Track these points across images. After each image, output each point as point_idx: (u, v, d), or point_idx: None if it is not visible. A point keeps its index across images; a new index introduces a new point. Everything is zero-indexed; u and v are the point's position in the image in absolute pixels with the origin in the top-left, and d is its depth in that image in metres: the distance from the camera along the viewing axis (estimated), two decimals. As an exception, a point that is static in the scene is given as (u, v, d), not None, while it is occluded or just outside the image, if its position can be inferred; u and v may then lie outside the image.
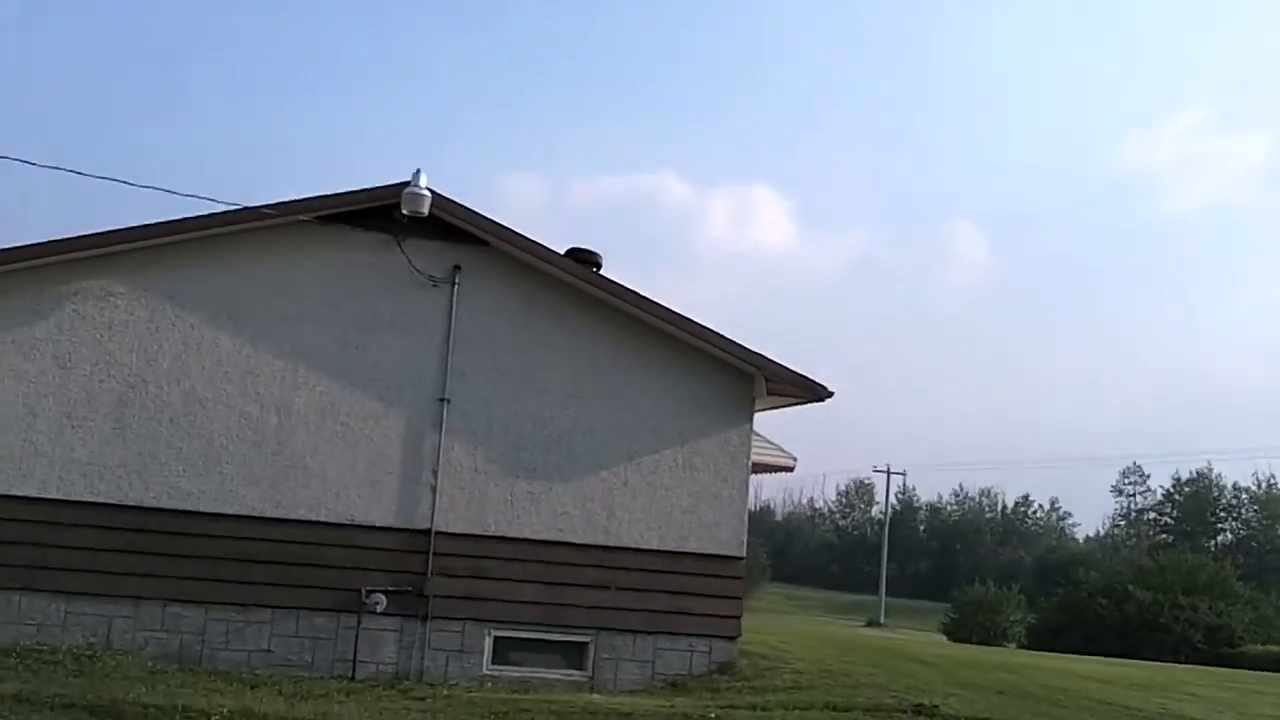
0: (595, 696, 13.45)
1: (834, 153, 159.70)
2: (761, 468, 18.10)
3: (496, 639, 14.42)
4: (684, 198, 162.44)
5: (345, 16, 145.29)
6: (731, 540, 15.20)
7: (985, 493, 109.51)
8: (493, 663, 14.35)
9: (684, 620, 14.94)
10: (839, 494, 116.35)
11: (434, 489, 14.26)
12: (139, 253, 13.69)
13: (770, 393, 15.43)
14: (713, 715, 11.82)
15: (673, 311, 14.93)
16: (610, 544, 14.81)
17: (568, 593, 14.60)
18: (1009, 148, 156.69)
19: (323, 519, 13.97)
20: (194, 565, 13.54)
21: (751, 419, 15.51)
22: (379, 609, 13.86)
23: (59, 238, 13.17)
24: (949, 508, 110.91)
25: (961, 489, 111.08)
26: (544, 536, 14.60)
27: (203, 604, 13.55)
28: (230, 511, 13.72)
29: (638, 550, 14.89)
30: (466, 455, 14.46)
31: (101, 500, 13.41)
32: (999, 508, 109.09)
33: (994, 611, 52.89)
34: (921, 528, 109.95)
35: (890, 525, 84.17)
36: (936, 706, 12.87)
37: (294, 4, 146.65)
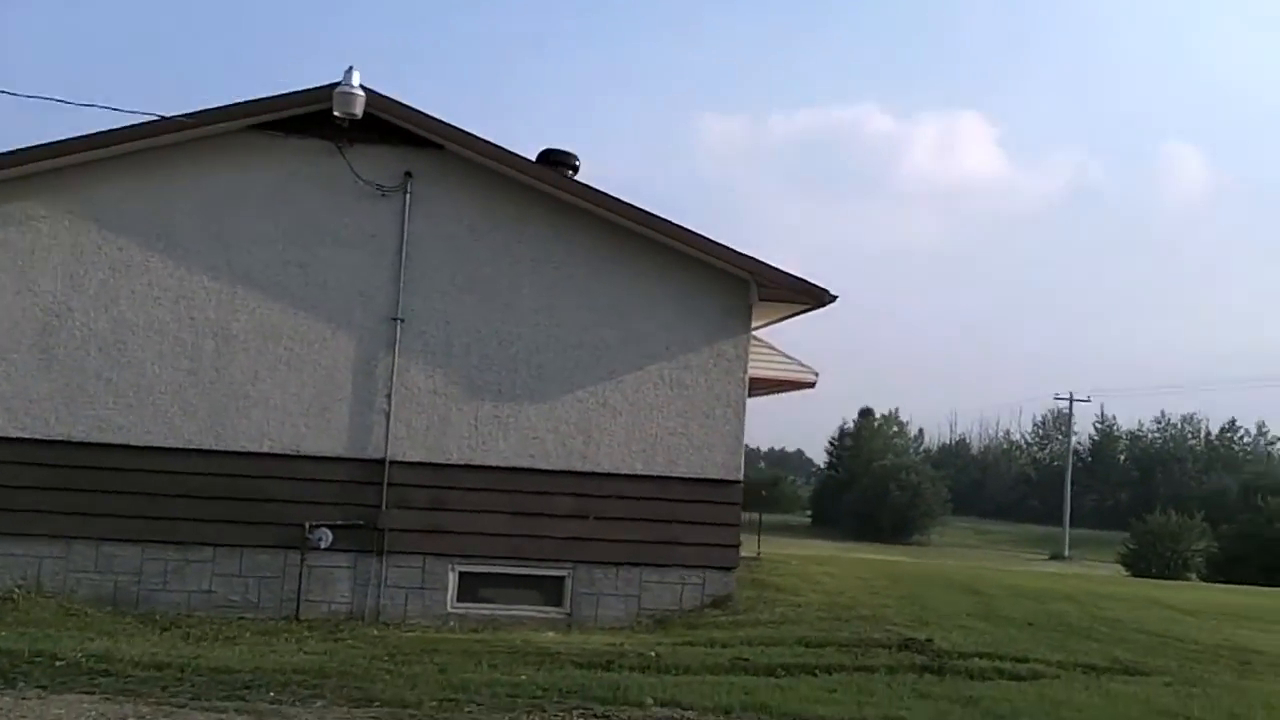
0: (546, 634, 12.47)
1: (1041, 77, 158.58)
2: (779, 384, 16.88)
3: (462, 575, 13.56)
4: (886, 129, 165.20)
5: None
6: (727, 463, 14.12)
7: (1188, 418, 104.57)
8: (458, 600, 13.49)
9: (673, 551, 13.91)
10: (1035, 425, 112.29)
11: (388, 415, 13.41)
12: (61, 173, 13.10)
13: (766, 299, 14.29)
14: (652, 654, 10.76)
15: (653, 215, 13.91)
16: (588, 470, 13.86)
17: (541, 523, 13.67)
18: (1222, 67, 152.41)
19: (266, 450, 13.25)
20: (128, 502, 12.90)
21: (748, 329, 14.43)
22: (323, 544, 13.06)
23: (-32, 156, 12.60)
24: (1150, 435, 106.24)
25: (1164, 415, 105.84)
26: (513, 463, 13.69)
27: (138, 543, 12.90)
28: (165, 444, 13.06)
29: (619, 476, 13.92)
30: (424, 378, 13.59)
31: (27, 435, 12.84)
32: (1203, 434, 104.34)
33: (1175, 541, 50.46)
34: (1122, 456, 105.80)
35: (1091, 455, 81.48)
36: (930, 640, 11.77)
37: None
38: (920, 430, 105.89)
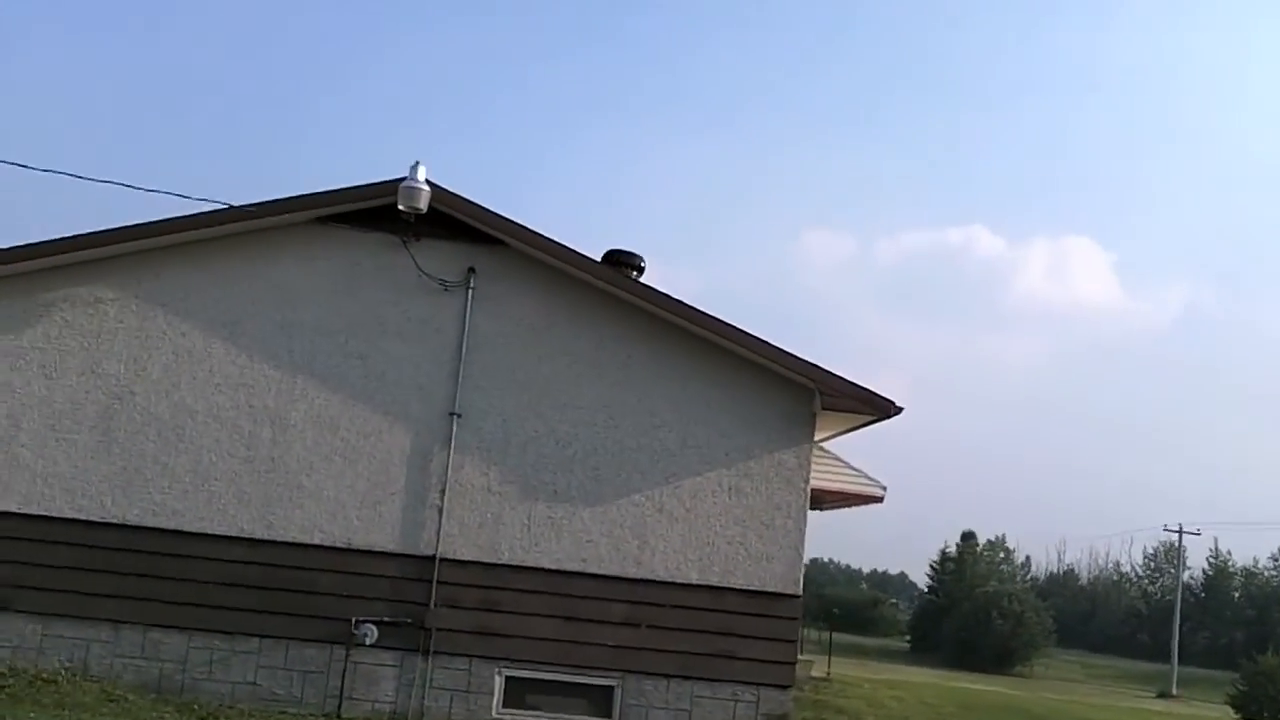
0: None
1: (1158, 201, 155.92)
2: (845, 497, 16.48)
3: (509, 679, 13.24)
4: (995, 250, 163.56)
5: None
6: (785, 575, 13.71)
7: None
8: (504, 705, 13.18)
9: (727, 665, 13.46)
10: (1146, 557, 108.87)
11: (440, 511, 13.28)
12: (130, 258, 13.36)
13: (828, 408, 13.98)
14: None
15: (716, 319, 13.73)
16: (641, 576, 13.53)
17: (591, 630, 13.34)
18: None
19: (317, 542, 13.16)
20: (177, 588, 12.87)
21: (810, 439, 14.09)
22: (368, 641, 12.87)
23: (44, 240, 12.90)
24: (1266, 573, 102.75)
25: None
26: (565, 567, 13.43)
27: (185, 630, 12.84)
28: (218, 532, 13.05)
29: (673, 584, 13.56)
30: (479, 475, 13.47)
31: (83, 517, 12.94)
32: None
33: None
34: (1236, 594, 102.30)
35: (1204, 590, 78.07)
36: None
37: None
38: (1027, 557, 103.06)
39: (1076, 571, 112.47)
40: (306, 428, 13.35)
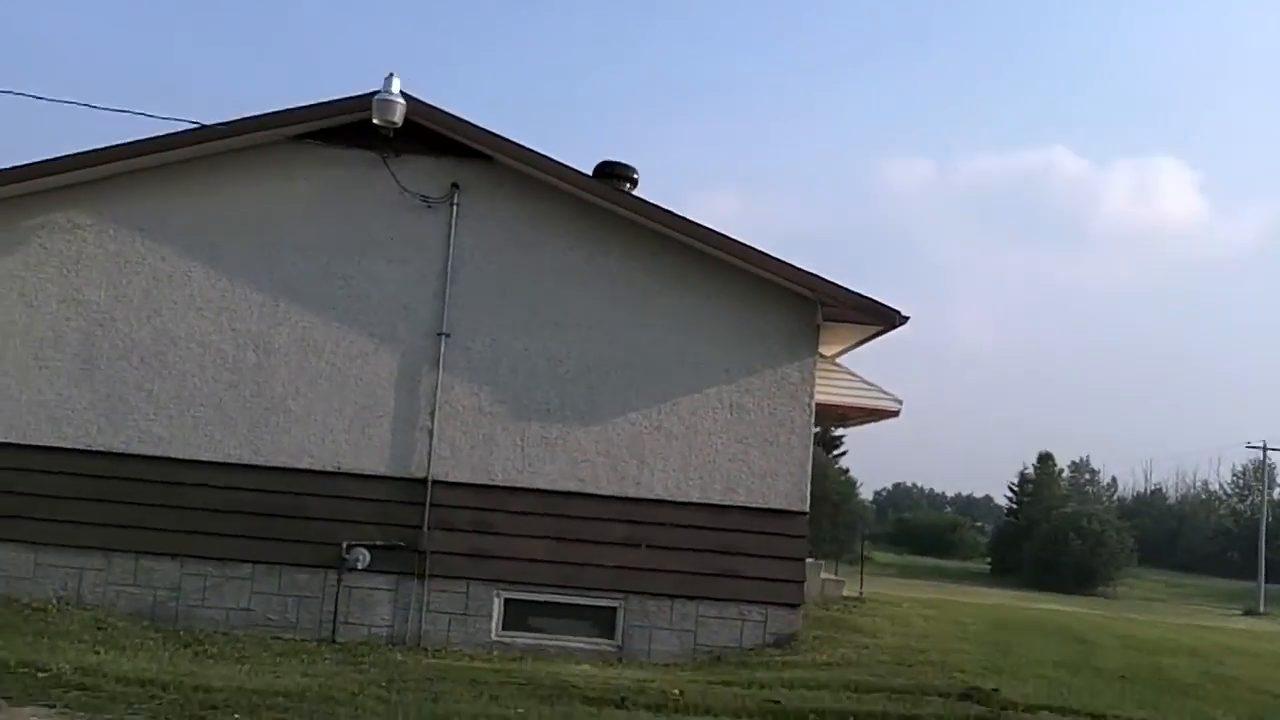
0: (578, 667, 11.86)
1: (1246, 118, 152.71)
2: (859, 412, 16.00)
3: (508, 601, 13.06)
4: (1078, 173, 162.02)
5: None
6: (791, 492, 13.36)
7: None
8: (504, 628, 13.03)
9: (732, 584, 13.18)
10: (1234, 475, 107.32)
11: (431, 433, 13.05)
12: (106, 182, 13.21)
13: (831, 319, 13.53)
14: (676, 692, 10.06)
15: (711, 230, 13.33)
16: (640, 496, 13.26)
17: (590, 551, 13.11)
18: None
19: (306, 466, 13.02)
20: (166, 515, 12.80)
21: (814, 352, 13.65)
22: (359, 565, 12.73)
23: (14, 165, 12.75)
24: None
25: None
26: (561, 487, 13.18)
27: (177, 557, 12.80)
28: (204, 458, 12.95)
29: (674, 503, 13.28)
30: (469, 396, 13.21)
31: (69, 445, 12.88)
32: None
33: None
34: None
35: None
36: (995, 690, 10.78)
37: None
38: (1113, 478, 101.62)
39: (1164, 491, 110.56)
40: (291, 351, 13.14)
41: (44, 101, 13.45)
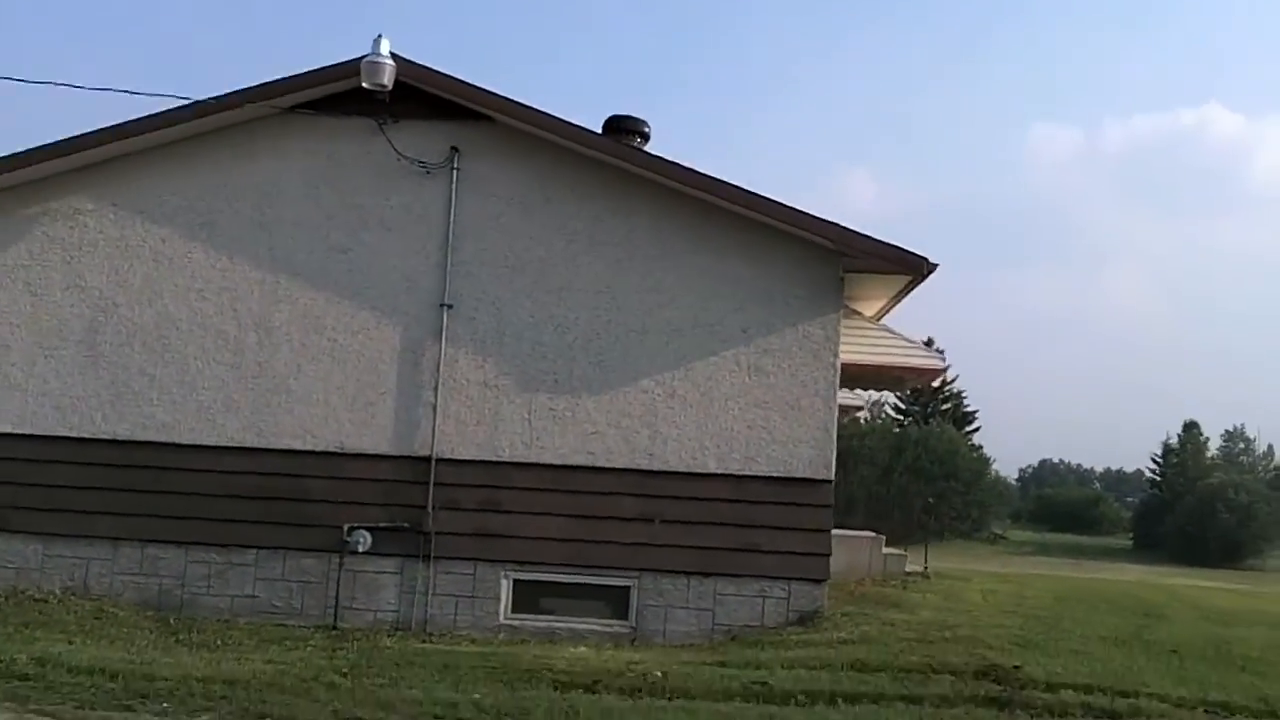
0: (572, 650, 11.41)
1: None
2: (900, 372, 15.10)
3: (516, 583, 12.68)
4: (1234, 130, 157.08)
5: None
6: (815, 459, 12.71)
7: None
8: (513, 610, 12.65)
9: (752, 559, 12.59)
10: None
11: (435, 409, 12.71)
12: (104, 166, 13.18)
13: (854, 270, 12.78)
14: (659, 674, 9.58)
15: (722, 181, 12.73)
16: (654, 468, 12.74)
17: (602, 528, 12.65)
18: None
19: (309, 447, 12.83)
20: (171, 502, 12.74)
21: (838, 308, 12.95)
22: (360, 548, 12.47)
23: (9, 153, 12.75)
24: None
25: None
26: (571, 461, 12.74)
27: (182, 545, 12.73)
28: (208, 442, 12.85)
29: (690, 475, 12.73)
30: (474, 368, 12.83)
31: (75, 434, 12.90)
32: None
33: None
34: None
35: None
36: (1018, 667, 10.02)
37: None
38: (1269, 447, 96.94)
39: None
40: (292, 329, 12.95)
41: (33, 85, 13.08)
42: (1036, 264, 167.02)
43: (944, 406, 63.46)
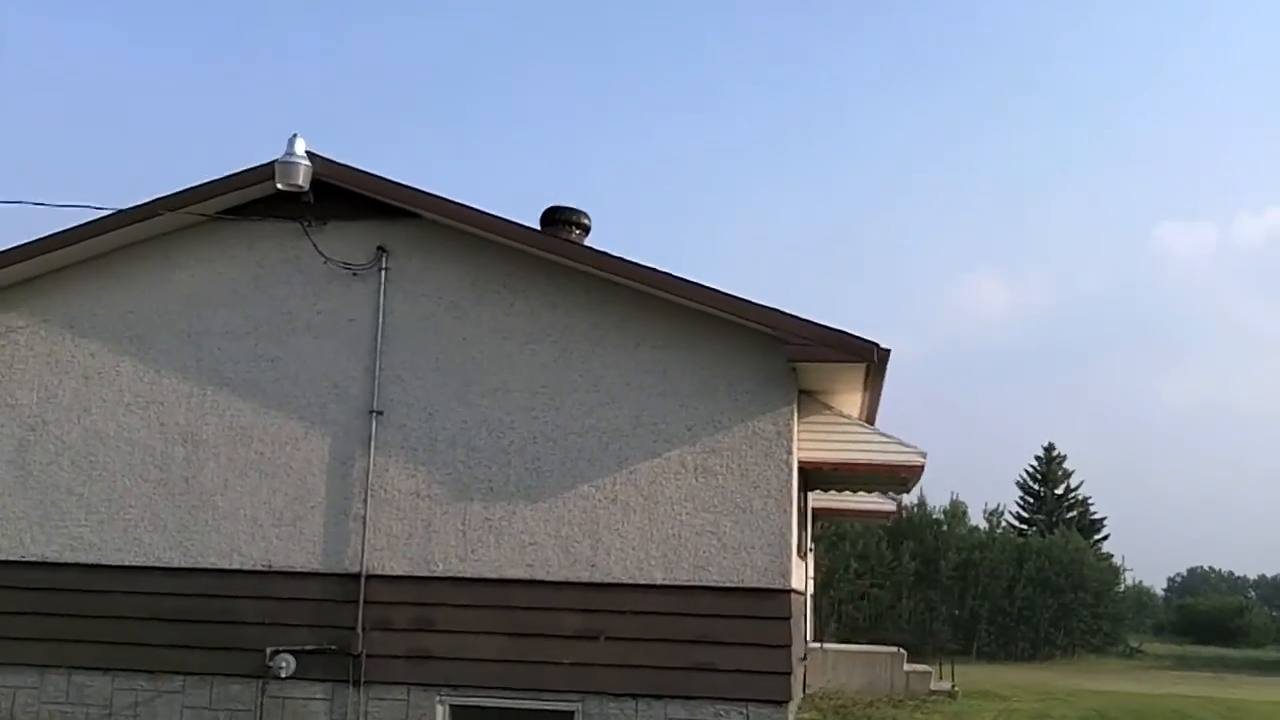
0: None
1: None
2: (873, 470, 13.99)
3: (452, 709, 11.93)
4: None
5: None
6: (770, 566, 11.73)
7: None
8: (448, 739, 11.83)
9: (707, 679, 11.61)
10: None
11: (364, 522, 12.13)
12: (35, 282, 13.09)
13: (799, 359, 11.81)
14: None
15: (660, 271, 11.99)
16: (596, 580, 11.91)
17: (542, 646, 11.84)
18: None
19: (236, 566, 12.35)
20: (98, 626, 12.39)
21: (791, 401, 12.02)
22: (283, 674, 11.88)
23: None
24: None
25: None
26: (508, 574, 12.00)
27: (108, 671, 12.34)
28: (134, 563, 12.48)
29: (635, 587, 11.86)
30: (405, 477, 12.24)
31: (3, 557, 12.61)
32: None
33: None
34: None
35: None
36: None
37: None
38: None
39: None
40: (219, 442, 12.55)
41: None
42: (1182, 362, 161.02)
43: (1069, 515, 60.70)
